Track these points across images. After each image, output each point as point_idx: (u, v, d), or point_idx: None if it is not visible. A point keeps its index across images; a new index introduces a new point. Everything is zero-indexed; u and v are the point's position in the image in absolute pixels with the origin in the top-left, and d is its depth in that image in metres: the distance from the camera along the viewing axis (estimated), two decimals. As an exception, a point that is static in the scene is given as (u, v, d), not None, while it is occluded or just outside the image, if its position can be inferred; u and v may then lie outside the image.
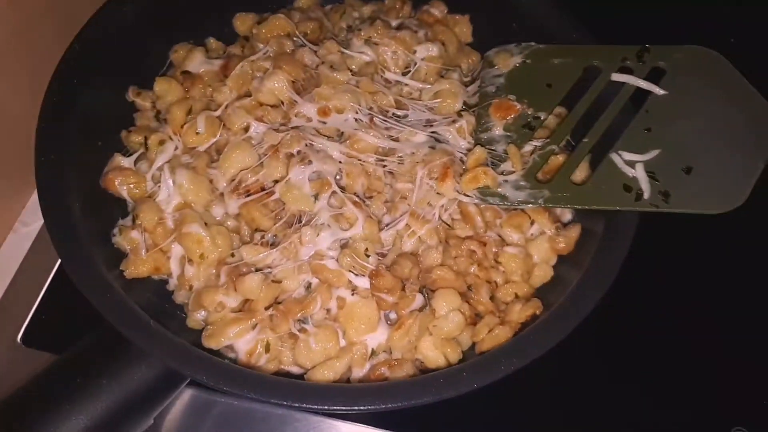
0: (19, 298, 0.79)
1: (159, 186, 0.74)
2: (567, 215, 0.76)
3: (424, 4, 0.91)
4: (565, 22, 0.82)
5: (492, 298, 0.73)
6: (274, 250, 0.70)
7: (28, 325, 0.78)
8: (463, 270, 0.73)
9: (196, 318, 0.70)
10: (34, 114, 0.71)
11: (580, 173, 0.74)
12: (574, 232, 0.74)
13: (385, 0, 0.92)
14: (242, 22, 0.88)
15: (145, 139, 0.77)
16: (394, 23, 0.88)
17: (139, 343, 0.60)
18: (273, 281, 0.69)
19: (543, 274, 0.74)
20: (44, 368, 0.62)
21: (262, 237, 0.72)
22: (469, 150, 0.75)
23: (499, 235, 0.75)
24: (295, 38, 0.84)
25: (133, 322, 0.62)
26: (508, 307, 0.71)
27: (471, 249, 0.73)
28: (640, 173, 0.69)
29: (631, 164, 0.69)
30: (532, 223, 0.75)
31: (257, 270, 0.70)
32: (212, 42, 0.88)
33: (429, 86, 0.82)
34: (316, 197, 0.72)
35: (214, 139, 0.77)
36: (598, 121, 0.72)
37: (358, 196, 0.74)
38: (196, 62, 0.83)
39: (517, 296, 0.72)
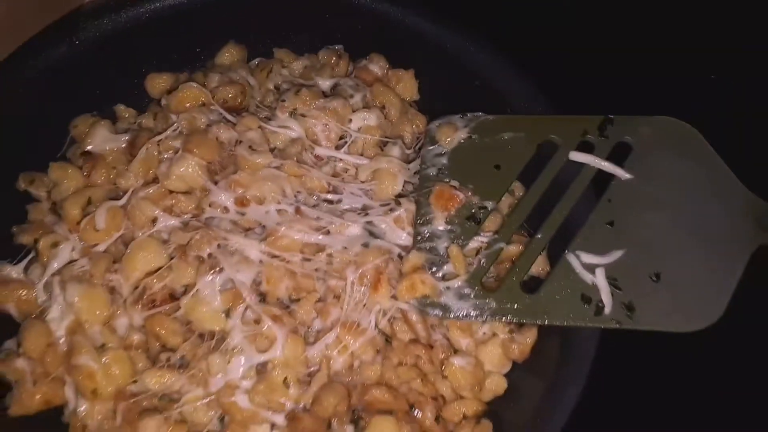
0: None
1: (50, 300, 0.64)
2: (522, 315, 0.67)
3: (362, 59, 0.80)
4: (518, 84, 0.73)
5: (437, 418, 0.64)
6: (181, 375, 0.61)
7: None
8: (404, 383, 0.64)
9: (95, 464, 0.60)
10: None
11: (537, 267, 0.65)
12: (530, 336, 0.65)
13: (318, 54, 0.81)
14: (154, 85, 0.79)
15: (35, 241, 0.67)
16: (327, 83, 0.78)
17: None
18: (177, 421, 0.59)
19: (495, 386, 0.66)
20: None
21: (168, 359, 0.62)
22: (407, 245, 0.65)
23: (447, 338, 0.66)
24: (212, 107, 0.73)
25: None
26: (456, 429, 0.63)
27: (416, 354, 0.64)
28: (600, 281, 0.60)
29: (591, 269, 0.60)
30: (483, 322, 0.66)
31: (164, 396, 0.61)
32: (122, 109, 0.78)
33: (366, 161, 0.72)
34: (227, 313, 0.62)
35: (118, 234, 0.68)
36: (553, 213, 0.63)
37: (281, 303, 0.64)
38: (99, 139, 0.73)
39: (465, 416, 0.63)
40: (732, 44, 0.88)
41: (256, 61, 0.82)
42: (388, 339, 0.66)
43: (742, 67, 0.87)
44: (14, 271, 0.67)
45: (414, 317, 0.64)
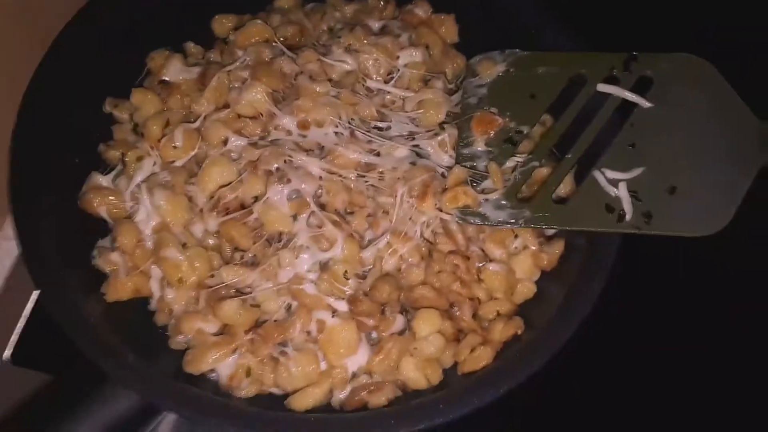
0: (5, 316, 0.79)
1: (137, 205, 0.73)
2: (551, 229, 0.75)
3: (407, 3, 0.88)
4: (552, 24, 0.80)
5: (474, 315, 0.72)
6: (254, 271, 0.70)
7: (16, 342, 0.79)
8: (445, 286, 0.72)
9: (178, 341, 0.70)
10: (3, 125, 0.71)
11: (564, 187, 0.73)
12: (558, 247, 0.73)
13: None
14: (220, 25, 0.86)
15: (123, 155, 0.76)
16: (376, 25, 0.85)
17: (118, 380, 0.60)
18: (252, 305, 0.69)
19: (526, 290, 0.74)
20: (28, 400, 0.62)
21: (242, 257, 0.72)
22: (451, 166, 0.74)
23: (482, 250, 0.75)
24: (273, 44, 0.81)
25: (110, 355, 0.62)
26: (491, 325, 0.71)
27: (455, 263, 0.73)
28: (622, 193, 0.68)
29: (614, 183, 0.68)
30: (516, 237, 0.75)
31: (237, 291, 0.70)
32: (191, 47, 0.86)
33: (412, 94, 0.80)
34: (294, 217, 0.71)
35: (193, 152, 0.76)
36: (582, 136, 0.71)
37: (339, 213, 0.73)
38: (174, 70, 0.81)
39: (499, 314, 0.72)
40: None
41: (310, 6, 0.90)
42: (429, 252, 0.74)
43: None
44: (104, 181, 0.76)
45: (454, 227, 0.73)
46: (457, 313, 0.72)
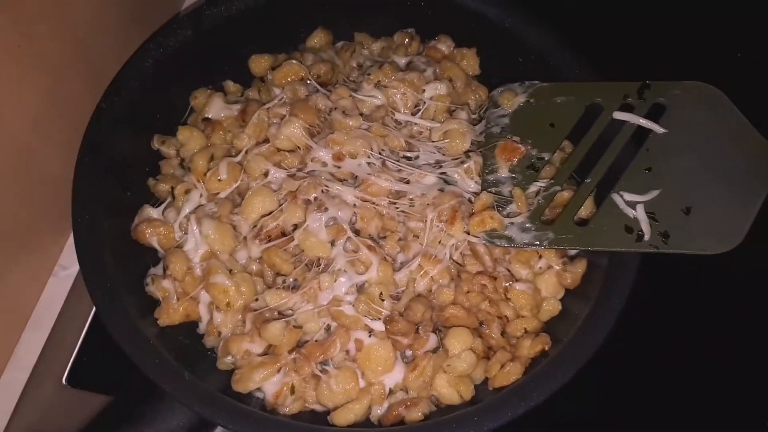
0: (63, 340, 0.85)
1: (186, 234, 0.79)
2: (573, 249, 0.80)
3: (431, 39, 0.94)
4: (568, 56, 0.84)
5: (503, 333, 0.76)
6: (295, 294, 0.75)
7: (72, 365, 0.84)
8: (474, 306, 0.77)
9: (226, 361, 0.75)
10: (64, 161, 0.77)
11: (585, 209, 0.77)
12: (581, 267, 0.77)
13: (394, 36, 0.95)
14: (257, 65, 0.92)
15: (172, 188, 0.82)
16: (402, 61, 0.91)
17: (174, 395, 0.65)
18: (294, 326, 0.73)
19: (551, 308, 0.78)
20: (91, 419, 0.67)
21: (284, 281, 0.77)
22: (477, 192, 0.78)
23: (509, 270, 0.79)
24: (308, 81, 0.87)
25: (167, 373, 0.67)
26: (519, 341, 0.75)
27: (482, 284, 0.77)
28: (640, 214, 0.72)
29: (632, 205, 0.72)
30: (540, 257, 0.79)
31: (280, 314, 0.75)
32: (230, 85, 0.92)
33: (438, 125, 0.85)
34: (332, 243, 0.76)
35: (236, 184, 0.82)
36: (600, 161, 0.75)
37: (372, 238, 0.78)
38: (216, 108, 0.87)
39: (526, 331, 0.76)
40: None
41: (340, 44, 0.96)
42: (458, 273, 0.79)
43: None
44: (155, 213, 0.81)
45: (482, 249, 0.77)
46: (487, 331, 0.76)
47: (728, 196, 0.71)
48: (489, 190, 0.78)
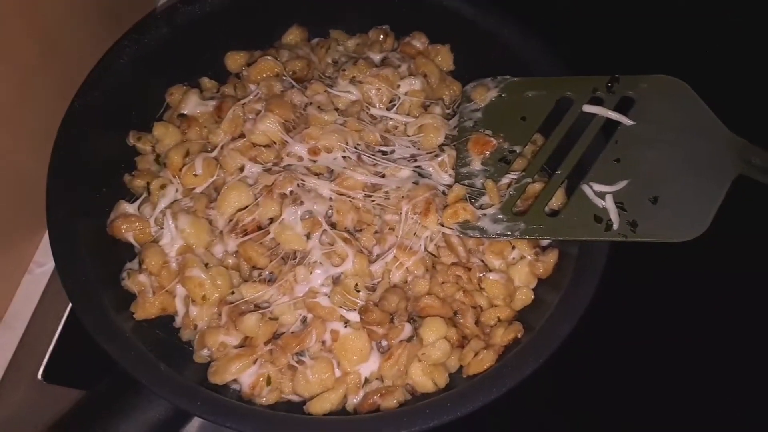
0: (39, 337, 0.85)
1: (162, 229, 0.79)
2: (545, 240, 0.81)
3: (405, 36, 0.95)
4: (539, 51, 0.86)
5: (477, 322, 0.78)
6: (271, 287, 0.75)
7: (48, 361, 0.84)
8: (449, 296, 0.78)
9: (202, 354, 0.75)
10: (38, 158, 0.77)
11: (556, 201, 0.78)
12: (553, 257, 0.79)
13: (369, 33, 0.96)
14: (233, 61, 0.92)
15: (147, 184, 0.82)
16: (377, 57, 0.92)
17: (150, 387, 0.66)
18: (270, 318, 0.74)
19: (524, 297, 0.79)
20: (66, 413, 0.67)
21: (260, 274, 0.77)
22: (450, 185, 0.79)
23: (482, 261, 0.80)
24: (283, 77, 0.88)
25: (143, 366, 0.67)
26: (492, 330, 0.76)
27: (457, 274, 0.79)
28: (609, 204, 0.73)
29: (601, 195, 0.74)
30: (513, 248, 0.80)
31: (256, 306, 0.76)
32: (206, 81, 0.92)
33: (413, 119, 0.86)
34: (308, 236, 0.77)
35: (212, 179, 0.82)
36: (571, 153, 0.77)
37: (348, 231, 0.79)
38: (191, 104, 0.87)
39: (499, 320, 0.77)
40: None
41: (315, 41, 0.96)
42: (433, 264, 0.80)
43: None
44: (131, 208, 0.82)
45: (455, 240, 0.78)
46: (461, 321, 0.77)
47: (694, 186, 0.72)
48: (462, 182, 0.79)
